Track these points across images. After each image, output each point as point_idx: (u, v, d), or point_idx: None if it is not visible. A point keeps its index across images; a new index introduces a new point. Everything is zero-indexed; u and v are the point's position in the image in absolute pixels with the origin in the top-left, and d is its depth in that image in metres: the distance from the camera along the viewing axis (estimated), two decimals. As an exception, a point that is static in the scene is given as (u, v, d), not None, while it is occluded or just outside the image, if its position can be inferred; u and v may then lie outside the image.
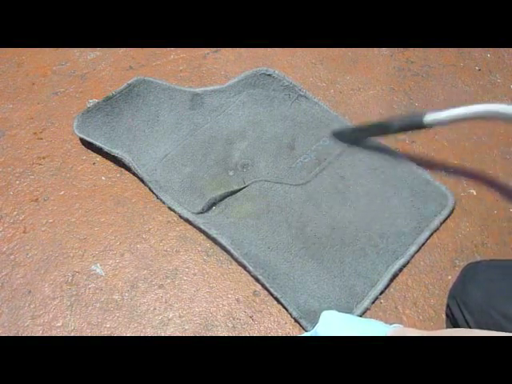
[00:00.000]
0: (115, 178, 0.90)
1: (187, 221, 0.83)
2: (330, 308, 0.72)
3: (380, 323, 0.56)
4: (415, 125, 0.82)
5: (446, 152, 0.93)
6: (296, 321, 0.73)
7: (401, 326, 0.55)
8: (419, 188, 0.85)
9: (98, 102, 0.93)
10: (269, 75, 0.98)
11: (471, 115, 0.75)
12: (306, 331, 0.72)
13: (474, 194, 0.87)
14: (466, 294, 0.62)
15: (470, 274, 0.65)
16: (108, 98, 0.94)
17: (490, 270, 0.64)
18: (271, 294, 0.75)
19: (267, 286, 0.75)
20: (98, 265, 0.80)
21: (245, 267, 0.77)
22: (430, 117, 0.78)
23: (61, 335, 0.73)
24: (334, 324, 0.56)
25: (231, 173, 0.88)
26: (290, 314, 0.73)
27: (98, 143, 0.89)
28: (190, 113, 0.95)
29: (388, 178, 0.86)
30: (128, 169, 0.88)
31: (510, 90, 1.02)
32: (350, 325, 0.55)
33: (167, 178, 0.87)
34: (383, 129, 0.87)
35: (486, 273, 0.64)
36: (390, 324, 0.56)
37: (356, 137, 0.91)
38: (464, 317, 0.62)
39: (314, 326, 0.70)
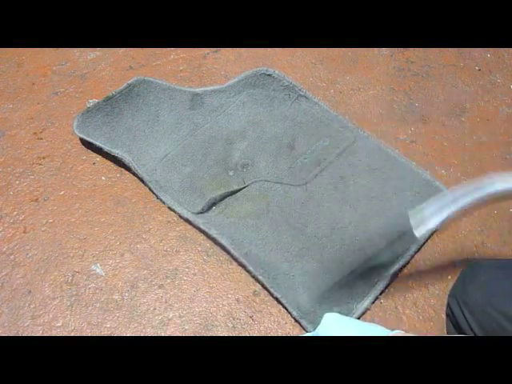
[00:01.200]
0: (115, 178, 0.90)
1: (187, 221, 0.83)
2: (330, 308, 0.72)
3: (381, 328, 0.56)
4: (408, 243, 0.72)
5: (446, 152, 0.93)
6: (296, 321, 0.73)
7: (402, 331, 0.55)
8: (419, 188, 0.85)
9: (98, 102, 0.93)
10: (269, 75, 0.98)
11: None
12: (307, 331, 0.72)
13: (474, 193, 0.87)
14: (466, 293, 0.62)
15: (470, 274, 0.65)
16: (108, 98, 0.93)
17: (490, 269, 0.64)
18: (271, 294, 0.75)
19: (267, 286, 0.75)
20: (98, 265, 0.80)
21: (245, 267, 0.77)
22: (420, 230, 0.65)
23: (61, 335, 0.73)
24: (334, 326, 0.56)
25: (231, 173, 0.88)
26: (290, 314, 0.73)
27: (97, 143, 0.89)
28: (190, 113, 0.95)
29: (388, 178, 0.86)
30: (128, 169, 0.88)
31: (510, 90, 1.02)
32: (351, 328, 0.55)
33: (167, 178, 0.87)
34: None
35: (486, 273, 0.63)
36: (392, 330, 0.55)
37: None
38: (464, 316, 0.61)
39: (314, 327, 0.70)
